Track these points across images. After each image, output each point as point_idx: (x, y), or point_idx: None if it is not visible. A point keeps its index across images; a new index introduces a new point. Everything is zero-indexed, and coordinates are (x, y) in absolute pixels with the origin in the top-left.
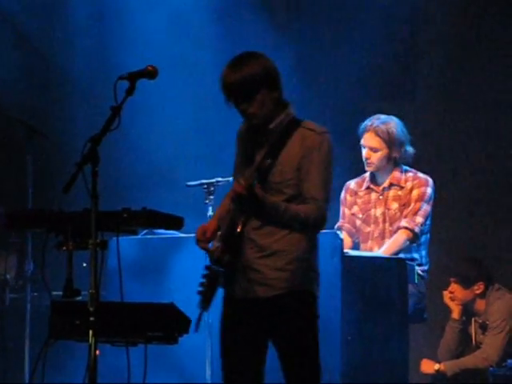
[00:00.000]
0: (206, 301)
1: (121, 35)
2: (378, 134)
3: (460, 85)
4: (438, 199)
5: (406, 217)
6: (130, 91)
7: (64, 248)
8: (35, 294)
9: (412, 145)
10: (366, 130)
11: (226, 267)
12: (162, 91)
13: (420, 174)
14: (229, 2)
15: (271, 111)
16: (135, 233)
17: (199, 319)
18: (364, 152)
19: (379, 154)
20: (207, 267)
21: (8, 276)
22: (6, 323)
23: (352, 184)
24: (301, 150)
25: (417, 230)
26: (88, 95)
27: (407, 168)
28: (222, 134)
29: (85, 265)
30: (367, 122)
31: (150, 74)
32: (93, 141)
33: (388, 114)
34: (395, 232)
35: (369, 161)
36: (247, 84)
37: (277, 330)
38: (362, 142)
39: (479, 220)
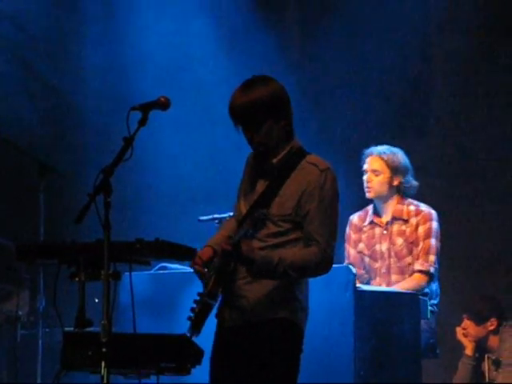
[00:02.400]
0: (196, 326)
1: (131, 65)
2: (381, 158)
3: (472, 122)
4: (449, 234)
5: (418, 258)
6: (142, 122)
7: (76, 279)
8: (47, 330)
9: (416, 179)
10: (369, 154)
11: (217, 300)
12: (174, 121)
13: (422, 207)
14: (240, 29)
15: (278, 141)
16: (148, 264)
17: None
18: (365, 176)
19: (381, 177)
20: (200, 294)
21: (20, 312)
22: (18, 360)
23: (355, 219)
24: (302, 185)
25: (432, 270)
26: (99, 129)
27: (408, 199)
28: (235, 167)
29: (97, 300)
30: (371, 148)
31: (163, 105)
32: (105, 171)
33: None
34: (409, 273)
35: (369, 185)
36: (254, 111)
37: (255, 357)
38: (365, 166)
39: (491, 254)
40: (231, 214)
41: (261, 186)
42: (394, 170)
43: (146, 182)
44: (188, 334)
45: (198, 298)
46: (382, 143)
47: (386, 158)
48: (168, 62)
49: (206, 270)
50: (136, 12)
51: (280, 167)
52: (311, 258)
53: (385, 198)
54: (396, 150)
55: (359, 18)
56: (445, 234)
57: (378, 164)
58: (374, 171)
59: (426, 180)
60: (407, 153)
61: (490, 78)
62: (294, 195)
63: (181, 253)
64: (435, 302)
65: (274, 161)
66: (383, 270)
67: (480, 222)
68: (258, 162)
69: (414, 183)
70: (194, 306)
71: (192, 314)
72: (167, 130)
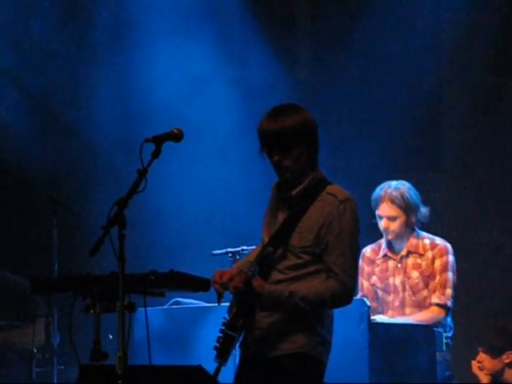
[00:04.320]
0: (221, 355)
1: (141, 104)
2: (394, 203)
3: (484, 154)
4: (463, 269)
5: (434, 291)
6: (155, 154)
7: (91, 311)
8: (62, 367)
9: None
10: (380, 200)
11: (240, 332)
12: (188, 155)
13: (438, 241)
14: (248, 69)
15: (304, 168)
16: (163, 295)
17: (216, 373)
18: (382, 222)
19: (398, 221)
20: (223, 324)
21: (35, 349)
22: None
23: (368, 252)
24: (321, 217)
25: (449, 304)
26: (110, 166)
27: (423, 233)
28: (248, 201)
29: (111, 337)
30: (380, 192)
31: (176, 136)
32: (119, 204)
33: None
34: (426, 306)
35: (388, 230)
36: (286, 135)
37: None
38: (378, 212)
39: (506, 288)
40: (244, 247)
41: (281, 216)
42: (408, 210)
43: (159, 214)
44: (216, 363)
45: (222, 327)
46: (391, 178)
47: (398, 202)
48: (178, 95)
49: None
50: (146, 49)
51: (299, 198)
52: (327, 290)
53: (403, 236)
54: (403, 186)
55: (370, 51)
56: (460, 267)
57: (392, 210)
58: (389, 217)
59: (441, 213)
60: (418, 188)
61: (501, 112)
62: (314, 227)
63: (195, 284)
64: (449, 334)
65: (294, 192)
66: (396, 304)
67: (495, 254)
68: (280, 191)
69: (426, 211)
70: (220, 335)
71: (217, 344)
72: (180, 161)
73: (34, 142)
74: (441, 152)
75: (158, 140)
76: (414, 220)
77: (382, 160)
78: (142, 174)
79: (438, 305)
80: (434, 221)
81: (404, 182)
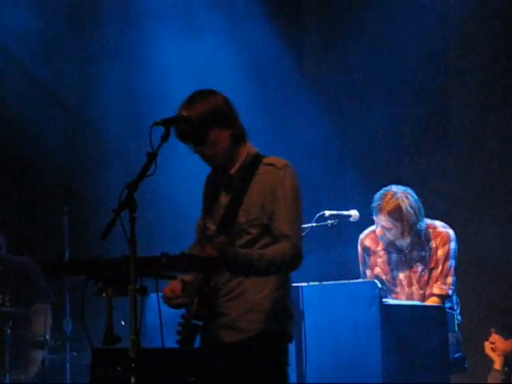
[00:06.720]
0: (187, 343)
1: (151, 89)
2: (390, 216)
3: (493, 131)
4: (473, 248)
5: (436, 281)
6: (165, 137)
7: (104, 295)
8: (74, 353)
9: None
10: (378, 210)
11: (206, 320)
12: None
13: (440, 228)
14: (256, 56)
15: (228, 149)
16: (174, 278)
17: None
18: (378, 229)
19: (393, 231)
20: (185, 316)
21: (47, 336)
22: None
23: (367, 241)
24: (263, 187)
25: (450, 292)
26: (121, 150)
27: (423, 223)
28: None
29: (123, 323)
30: (378, 202)
31: (184, 120)
32: (129, 187)
33: (423, 166)
34: (427, 297)
35: (384, 237)
36: (194, 126)
37: (247, 375)
38: (375, 219)
39: None
40: None
41: (224, 199)
42: (404, 224)
43: (169, 197)
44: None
45: (182, 321)
46: (399, 159)
47: (394, 214)
48: (186, 81)
49: (182, 299)
50: (159, 39)
51: (239, 176)
52: (285, 252)
53: (401, 238)
54: (404, 199)
55: (378, 31)
56: (469, 246)
57: (387, 223)
58: (385, 228)
59: (446, 191)
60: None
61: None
62: (258, 199)
63: (206, 265)
64: (458, 311)
65: (232, 171)
66: (403, 299)
67: (506, 232)
68: (218, 175)
69: (424, 226)
70: (180, 328)
71: (180, 335)
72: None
73: (44, 130)
74: (449, 130)
75: (167, 123)
76: (410, 228)
77: (389, 139)
78: (152, 157)
79: (438, 296)
80: (442, 199)
81: (408, 193)
